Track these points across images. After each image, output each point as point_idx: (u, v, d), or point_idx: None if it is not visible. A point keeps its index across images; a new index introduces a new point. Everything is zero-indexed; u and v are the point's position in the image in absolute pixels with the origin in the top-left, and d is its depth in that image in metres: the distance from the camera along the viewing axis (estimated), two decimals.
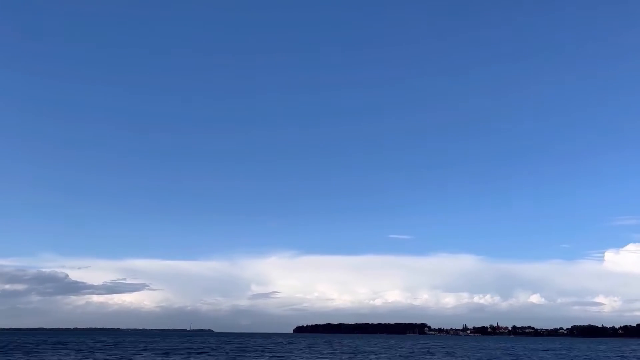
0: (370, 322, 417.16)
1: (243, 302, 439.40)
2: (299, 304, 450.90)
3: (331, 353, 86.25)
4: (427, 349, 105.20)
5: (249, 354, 78.93)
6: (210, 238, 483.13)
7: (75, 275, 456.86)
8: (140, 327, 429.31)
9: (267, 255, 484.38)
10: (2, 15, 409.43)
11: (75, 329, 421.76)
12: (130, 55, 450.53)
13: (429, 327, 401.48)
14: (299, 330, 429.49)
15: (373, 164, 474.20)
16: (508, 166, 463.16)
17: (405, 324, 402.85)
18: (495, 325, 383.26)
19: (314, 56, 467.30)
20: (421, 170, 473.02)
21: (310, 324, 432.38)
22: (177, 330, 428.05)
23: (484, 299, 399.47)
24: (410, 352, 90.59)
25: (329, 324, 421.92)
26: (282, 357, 74.80)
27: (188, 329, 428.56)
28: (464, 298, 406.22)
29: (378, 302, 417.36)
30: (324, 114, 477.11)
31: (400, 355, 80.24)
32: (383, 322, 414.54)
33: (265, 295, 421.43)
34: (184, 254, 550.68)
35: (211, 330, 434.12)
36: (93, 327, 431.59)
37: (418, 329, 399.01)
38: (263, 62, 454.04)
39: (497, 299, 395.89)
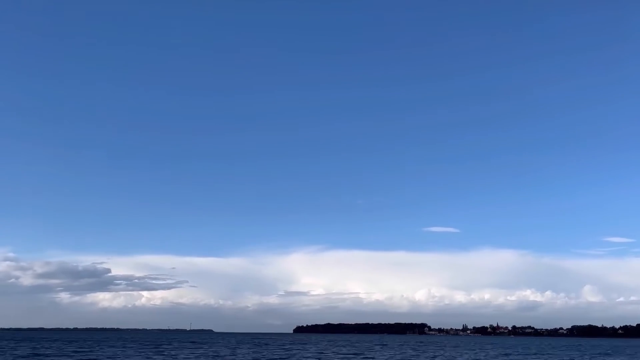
0: (370, 322, 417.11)
1: (272, 300, 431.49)
2: (329, 303, 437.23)
3: None
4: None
5: None
6: (232, 234, 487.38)
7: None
8: (141, 328, 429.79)
9: (291, 251, 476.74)
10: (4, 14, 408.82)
11: (75, 329, 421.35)
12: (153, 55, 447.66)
13: (429, 327, 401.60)
14: (299, 330, 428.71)
15: (400, 159, 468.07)
16: (547, 157, 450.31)
17: (405, 323, 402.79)
18: (495, 325, 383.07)
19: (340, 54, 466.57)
20: (452, 164, 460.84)
21: (310, 324, 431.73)
22: (177, 330, 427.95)
23: (538, 296, 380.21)
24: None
25: (329, 324, 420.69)
26: None
27: (188, 329, 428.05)
28: (508, 295, 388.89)
29: (416, 299, 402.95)
30: (354, 109, 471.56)
31: None
32: (383, 322, 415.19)
33: (296, 294, 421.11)
34: (205, 251, 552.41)
35: (211, 330, 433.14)
36: (93, 327, 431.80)
37: (418, 329, 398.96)
38: (282, 59, 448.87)
39: (549, 295, 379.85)
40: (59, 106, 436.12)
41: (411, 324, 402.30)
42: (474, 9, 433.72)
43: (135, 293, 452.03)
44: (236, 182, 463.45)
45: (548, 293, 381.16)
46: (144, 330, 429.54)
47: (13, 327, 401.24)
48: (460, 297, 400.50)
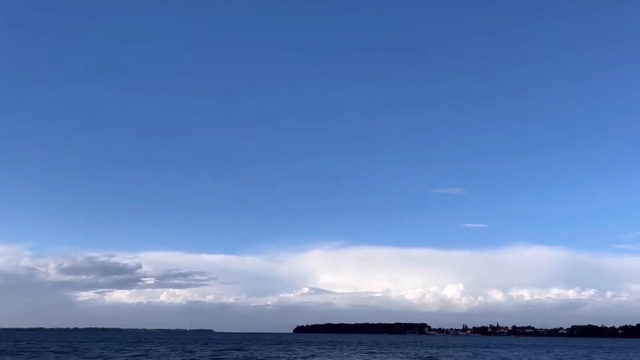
0: (370, 322, 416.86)
1: (296, 299, 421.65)
2: (356, 302, 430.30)
3: None
4: None
5: None
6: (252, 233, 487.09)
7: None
8: (141, 328, 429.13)
9: (310, 248, 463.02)
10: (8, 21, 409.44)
11: (76, 329, 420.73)
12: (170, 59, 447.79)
13: (429, 327, 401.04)
14: (299, 330, 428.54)
15: (427, 153, 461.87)
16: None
17: (405, 323, 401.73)
18: (495, 325, 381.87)
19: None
20: (482, 160, 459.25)
21: (310, 324, 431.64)
22: (177, 330, 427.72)
23: (578, 294, 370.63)
24: None
25: (329, 324, 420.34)
26: None
27: (188, 329, 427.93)
28: (545, 293, 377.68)
29: (447, 298, 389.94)
30: (373, 107, 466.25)
31: None
32: (383, 322, 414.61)
33: (322, 292, 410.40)
34: (226, 249, 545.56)
35: (211, 330, 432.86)
36: (93, 327, 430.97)
37: (418, 329, 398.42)
38: (284, 59, 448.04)
39: (591, 293, 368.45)
40: (88, 111, 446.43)
41: (411, 323, 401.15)
42: (478, 9, 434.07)
43: (154, 291, 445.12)
44: (249, 180, 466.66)
45: (590, 291, 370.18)
46: (144, 330, 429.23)
47: (13, 327, 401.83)
48: (496, 296, 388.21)
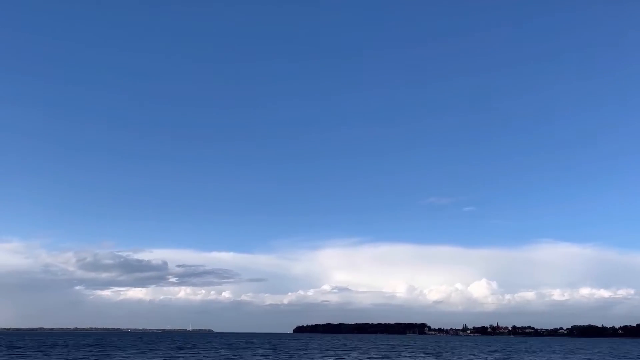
0: (370, 322, 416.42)
1: (316, 297, 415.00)
2: (378, 301, 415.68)
3: None
4: None
5: None
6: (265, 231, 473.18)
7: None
8: (141, 328, 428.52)
9: (326, 245, 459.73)
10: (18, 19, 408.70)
11: (76, 329, 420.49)
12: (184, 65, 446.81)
13: (429, 327, 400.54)
14: (299, 330, 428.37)
15: (450, 152, 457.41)
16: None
17: (405, 324, 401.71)
18: (495, 325, 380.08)
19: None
20: (506, 157, 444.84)
21: (310, 324, 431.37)
22: (177, 330, 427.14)
23: (612, 294, 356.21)
24: None
25: (329, 324, 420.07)
26: None
27: (188, 329, 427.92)
28: (577, 292, 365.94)
29: (474, 298, 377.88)
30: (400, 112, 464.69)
31: None
32: (383, 322, 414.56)
33: (346, 289, 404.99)
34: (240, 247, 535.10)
35: (211, 330, 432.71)
36: (93, 327, 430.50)
37: (418, 329, 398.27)
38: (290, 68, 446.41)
39: (626, 292, 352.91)
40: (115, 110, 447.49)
41: (411, 323, 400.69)
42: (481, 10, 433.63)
43: (170, 289, 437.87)
44: (262, 177, 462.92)
45: (626, 290, 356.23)
46: (144, 331, 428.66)
47: (13, 327, 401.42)
48: (527, 295, 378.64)
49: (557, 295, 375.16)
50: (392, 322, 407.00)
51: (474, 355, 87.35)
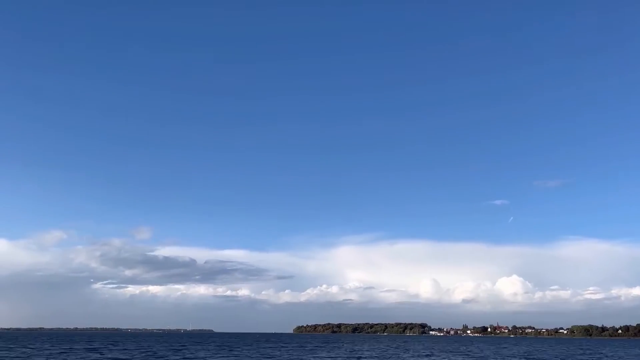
0: (370, 322, 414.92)
1: (341, 296, 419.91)
2: (401, 299, 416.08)
3: None
4: None
5: None
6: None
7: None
8: (141, 328, 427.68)
9: (342, 242, 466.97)
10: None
11: (76, 329, 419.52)
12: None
13: (429, 326, 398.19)
14: (299, 330, 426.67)
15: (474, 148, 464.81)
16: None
17: (405, 324, 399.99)
18: (495, 325, 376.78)
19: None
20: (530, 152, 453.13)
21: (310, 324, 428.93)
22: (177, 330, 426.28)
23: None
24: None
25: (329, 324, 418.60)
26: None
27: (189, 329, 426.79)
28: (610, 291, 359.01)
29: (504, 298, 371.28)
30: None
31: None
32: (383, 322, 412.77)
33: (368, 288, 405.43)
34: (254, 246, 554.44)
35: (211, 330, 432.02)
36: (93, 327, 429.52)
37: (418, 329, 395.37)
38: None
39: None
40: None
41: (411, 323, 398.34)
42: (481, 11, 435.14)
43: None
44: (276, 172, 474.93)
45: None
46: (144, 331, 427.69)
47: (13, 327, 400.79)
48: (560, 295, 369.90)
49: (590, 293, 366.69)
50: (393, 322, 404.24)
51: None
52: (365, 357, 73.12)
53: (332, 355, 75.30)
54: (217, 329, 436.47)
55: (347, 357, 72.52)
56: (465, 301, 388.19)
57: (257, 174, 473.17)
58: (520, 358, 77.18)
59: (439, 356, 79.00)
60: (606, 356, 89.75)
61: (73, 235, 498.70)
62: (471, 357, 77.76)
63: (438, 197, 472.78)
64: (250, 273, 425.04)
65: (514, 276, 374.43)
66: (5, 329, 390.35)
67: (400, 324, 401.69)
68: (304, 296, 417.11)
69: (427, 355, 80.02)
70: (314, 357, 71.48)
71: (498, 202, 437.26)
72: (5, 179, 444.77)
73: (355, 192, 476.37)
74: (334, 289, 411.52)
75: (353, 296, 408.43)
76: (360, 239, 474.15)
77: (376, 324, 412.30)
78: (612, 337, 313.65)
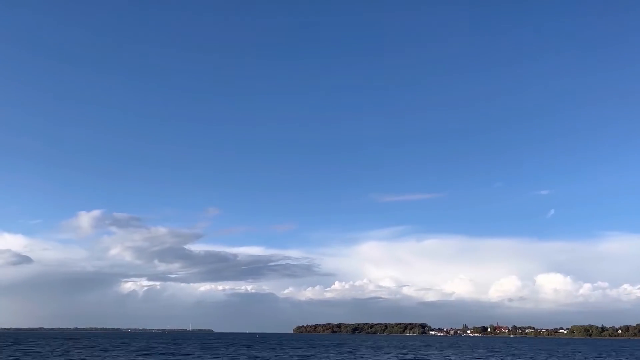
0: (369, 322, 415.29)
1: (370, 294, 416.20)
2: (430, 299, 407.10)
3: None
4: None
5: None
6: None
7: None
8: (141, 327, 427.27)
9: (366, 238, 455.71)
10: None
11: (76, 329, 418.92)
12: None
13: (429, 326, 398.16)
14: (299, 330, 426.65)
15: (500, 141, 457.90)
16: None
17: (405, 323, 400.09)
18: (495, 325, 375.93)
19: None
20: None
21: (310, 324, 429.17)
22: (177, 330, 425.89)
23: None
24: None
25: (328, 324, 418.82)
26: None
27: (189, 329, 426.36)
28: None
29: (549, 297, 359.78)
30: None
31: None
32: (383, 322, 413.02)
33: (398, 285, 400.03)
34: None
35: (211, 330, 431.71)
36: (93, 327, 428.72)
37: (418, 329, 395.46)
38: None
39: None
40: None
41: (411, 323, 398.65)
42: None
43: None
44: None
45: None
46: (144, 331, 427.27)
47: (13, 327, 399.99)
48: (608, 293, 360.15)
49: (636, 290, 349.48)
50: (393, 322, 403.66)
51: None
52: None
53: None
54: (217, 329, 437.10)
55: None
56: (509, 300, 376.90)
57: (275, 170, 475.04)
58: None
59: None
60: None
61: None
62: None
63: (471, 189, 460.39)
64: (269, 269, 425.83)
65: (554, 272, 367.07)
66: (5, 329, 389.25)
67: (400, 324, 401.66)
68: (328, 293, 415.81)
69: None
70: None
71: (544, 192, 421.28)
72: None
73: (378, 185, 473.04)
74: (360, 286, 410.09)
75: (382, 294, 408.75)
76: (385, 234, 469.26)
77: (376, 324, 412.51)
78: (612, 337, 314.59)
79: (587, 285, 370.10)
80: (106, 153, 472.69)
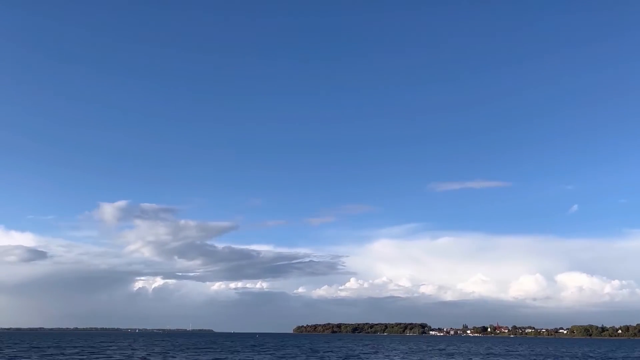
0: (369, 322, 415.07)
1: (385, 293, 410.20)
2: (456, 298, 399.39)
3: None
4: None
5: None
6: None
7: None
8: (141, 327, 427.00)
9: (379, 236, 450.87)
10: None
11: (76, 329, 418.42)
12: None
13: (429, 326, 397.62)
14: (299, 330, 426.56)
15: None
16: None
17: (405, 324, 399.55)
18: (495, 325, 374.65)
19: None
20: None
21: (310, 324, 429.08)
22: (177, 330, 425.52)
23: None
24: None
25: (328, 324, 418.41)
26: None
27: (189, 329, 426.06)
28: None
29: (584, 299, 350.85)
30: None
31: None
32: (383, 322, 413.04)
33: (415, 284, 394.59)
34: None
35: (211, 330, 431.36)
36: (92, 327, 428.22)
37: (418, 329, 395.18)
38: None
39: None
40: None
41: (411, 323, 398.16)
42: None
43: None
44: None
45: None
46: (144, 331, 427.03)
47: (13, 327, 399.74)
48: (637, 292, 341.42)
49: None
50: (392, 322, 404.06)
51: None
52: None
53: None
54: (217, 329, 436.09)
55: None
56: (534, 299, 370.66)
57: (282, 169, 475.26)
58: None
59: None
60: None
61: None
62: None
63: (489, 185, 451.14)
64: (292, 267, 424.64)
65: (578, 271, 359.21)
66: (5, 329, 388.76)
67: (400, 324, 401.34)
68: (342, 292, 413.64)
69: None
70: None
71: (547, 195, 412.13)
72: None
73: (391, 182, 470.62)
74: (375, 285, 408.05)
75: (399, 293, 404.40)
76: (397, 231, 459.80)
77: (376, 324, 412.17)
78: (612, 337, 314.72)
79: (614, 283, 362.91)
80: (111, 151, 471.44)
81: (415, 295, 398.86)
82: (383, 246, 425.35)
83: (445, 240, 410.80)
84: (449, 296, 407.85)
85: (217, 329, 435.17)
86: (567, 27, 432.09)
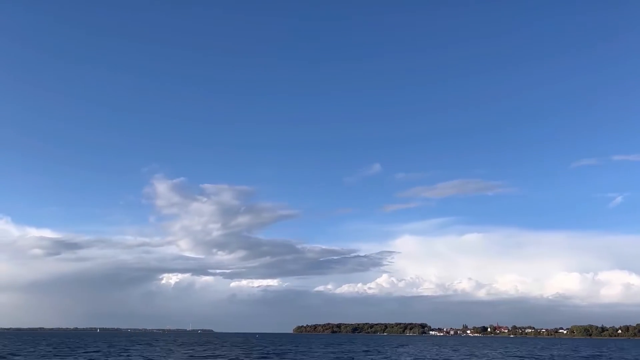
0: (369, 322, 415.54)
1: (414, 291, 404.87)
2: (484, 297, 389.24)
3: None
4: None
5: None
6: None
7: None
8: (140, 327, 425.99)
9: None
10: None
11: (76, 329, 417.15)
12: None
13: (429, 326, 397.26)
14: (299, 330, 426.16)
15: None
16: None
17: (405, 324, 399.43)
18: (495, 325, 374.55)
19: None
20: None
21: (310, 324, 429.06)
22: (177, 330, 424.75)
23: None
24: None
25: (328, 324, 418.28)
26: None
27: (188, 329, 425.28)
28: None
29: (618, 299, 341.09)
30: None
31: None
32: (383, 322, 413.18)
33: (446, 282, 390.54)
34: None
35: (211, 330, 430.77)
36: (92, 327, 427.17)
37: (418, 329, 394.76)
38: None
39: None
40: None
41: (411, 323, 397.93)
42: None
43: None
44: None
45: None
46: (144, 331, 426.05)
47: (13, 327, 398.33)
48: None
49: None
50: (393, 322, 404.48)
51: None
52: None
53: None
54: (217, 329, 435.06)
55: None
56: (572, 298, 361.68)
57: (288, 166, 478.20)
58: None
59: None
60: None
61: None
62: None
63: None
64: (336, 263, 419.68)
65: (618, 268, 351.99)
66: (5, 329, 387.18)
67: (400, 324, 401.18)
68: (367, 290, 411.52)
69: None
70: None
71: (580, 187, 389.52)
72: None
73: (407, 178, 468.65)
74: (402, 284, 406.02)
75: (428, 292, 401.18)
76: (423, 226, 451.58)
77: (376, 324, 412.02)
78: (612, 337, 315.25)
79: None
80: None
81: (449, 292, 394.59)
82: (406, 242, 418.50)
83: (473, 237, 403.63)
84: (482, 294, 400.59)
85: (219, 329, 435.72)
86: (570, 28, 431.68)
